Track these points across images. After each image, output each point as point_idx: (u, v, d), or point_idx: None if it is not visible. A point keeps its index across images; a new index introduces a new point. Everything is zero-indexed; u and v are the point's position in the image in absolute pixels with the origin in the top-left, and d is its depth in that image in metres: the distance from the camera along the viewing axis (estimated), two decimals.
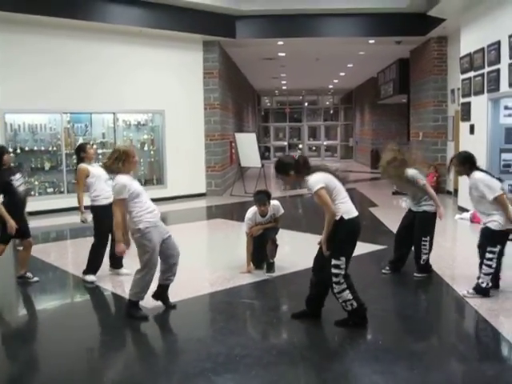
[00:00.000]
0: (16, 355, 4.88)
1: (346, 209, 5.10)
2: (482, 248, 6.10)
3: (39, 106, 12.54)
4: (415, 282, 6.90)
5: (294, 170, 5.26)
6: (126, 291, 6.04)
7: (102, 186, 7.04)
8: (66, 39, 12.76)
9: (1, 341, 5.52)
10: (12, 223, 6.41)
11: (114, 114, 13.99)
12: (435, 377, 4.27)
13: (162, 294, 5.84)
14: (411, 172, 6.79)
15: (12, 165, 7.11)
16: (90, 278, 7.00)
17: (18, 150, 12.56)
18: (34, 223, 8.77)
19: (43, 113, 12.97)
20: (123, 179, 5.49)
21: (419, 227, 6.89)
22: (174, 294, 5.98)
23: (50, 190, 13.12)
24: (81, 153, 7.24)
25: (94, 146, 7.33)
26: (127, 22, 13.24)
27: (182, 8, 13.79)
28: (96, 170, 7.11)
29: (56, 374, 4.50)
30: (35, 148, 12.95)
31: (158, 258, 5.60)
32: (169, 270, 5.74)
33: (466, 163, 6.10)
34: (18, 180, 6.75)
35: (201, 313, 6.15)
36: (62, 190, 13.21)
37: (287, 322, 5.58)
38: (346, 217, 5.04)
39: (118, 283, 6.98)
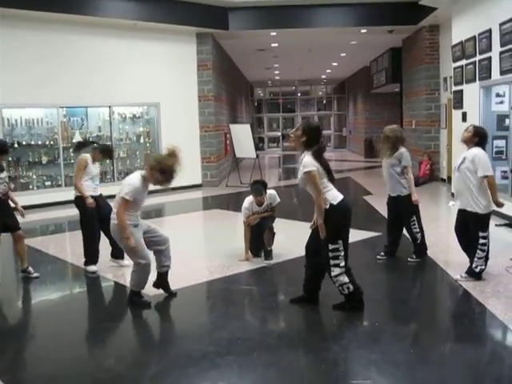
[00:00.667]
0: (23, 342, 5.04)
1: (333, 195, 5.25)
2: (460, 231, 6.35)
3: (36, 101, 12.65)
4: (410, 267, 7.07)
5: (310, 136, 5.46)
6: (127, 280, 6.17)
7: (89, 182, 7.19)
8: (62, 34, 12.86)
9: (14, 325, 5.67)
10: None
11: (109, 107, 14.09)
12: (431, 356, 4.43)
13: (162, 282, 5.98)
14: (404, 150, 7.00)
15: None
16: (91, 268, 7.15)
17: (16, 145, 12.66)
18: (32, 217, 8.95)
19: (40, 107, 13.07)
20: (139, 183, 5.57)
21: (403, 210, 7.10)
22: (175, 283, 6.12)
23: (48, 183, 13.23)
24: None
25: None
26: (121, 15, 13.33)
27: (176, 1, 13.92)
28: (93, 166, 7.25)
29: (63, 359, 4.64)
30: (32, 142, 13.07)
31: (148, 251, 5.72)
32: (162, 256, 5.87)
33: (478, 137, 6.22)
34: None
35: (202, 299, 6.30)
36: (60, 183, 13.34)
37: (286, 306, 5.77)
38: (334, 202, 5.18)
39: (119, 273, 7.12)
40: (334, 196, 5.25)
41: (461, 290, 6.01)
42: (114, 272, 7.19)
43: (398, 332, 4.97)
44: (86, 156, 7.27)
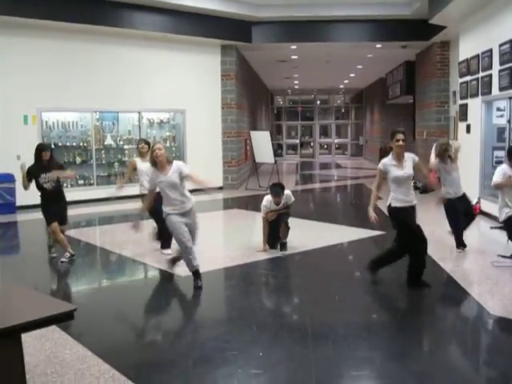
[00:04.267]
0: None
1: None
2: None
3: (72, 105, 13.74)
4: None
5: None
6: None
7: (141, 179, 8.24)
8: (97, 44, 14.00)
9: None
10: None
11: (139, 112, 15.17)
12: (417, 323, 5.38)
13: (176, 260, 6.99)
14: None
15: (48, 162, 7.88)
16: (166, 251, 8.17)
17: (53, 146, 13.74)
18: (71, 211, 9.99)
19: (75, 111, 14.18)
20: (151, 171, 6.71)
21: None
22: (203, 266, 7.09)
23: (81, 182, 14.28)
24: (138, 147, 8.68)
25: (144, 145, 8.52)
26: (152, 28, 14.41)
27: (203, 15, 14.95)
28: (142, 165, 8.25)
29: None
30: (67, 144, 14.15)
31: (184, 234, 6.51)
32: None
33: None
34: (43, 178, 7.75)
35: (227, 280, 7.37)
36: (92, 182, 14.40)
37: (297, 286, 6.84)
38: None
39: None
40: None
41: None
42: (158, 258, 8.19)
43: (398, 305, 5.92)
44: (133, 159, 8.38)
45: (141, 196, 8.28)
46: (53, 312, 3.11)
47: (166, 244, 8.26)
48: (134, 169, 8.45)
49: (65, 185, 13.71)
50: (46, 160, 7.77)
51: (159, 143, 6.73)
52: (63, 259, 7.86)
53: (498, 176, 7.37)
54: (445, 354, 4.71)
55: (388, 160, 6.44)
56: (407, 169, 6.36)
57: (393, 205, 6.45)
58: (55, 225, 7.83)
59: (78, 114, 14.33)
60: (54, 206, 7.89)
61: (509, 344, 5.05)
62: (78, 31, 13.45)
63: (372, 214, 6.52)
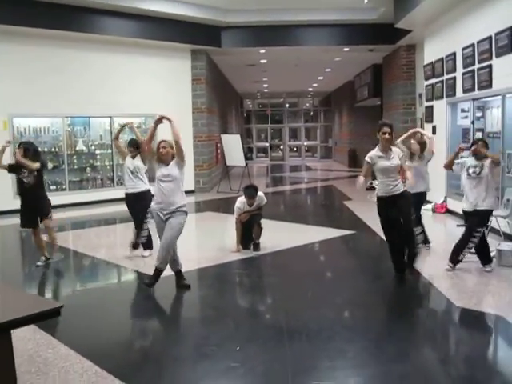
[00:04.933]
0: None
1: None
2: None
3: (43, 111, 13.79)
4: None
5: None
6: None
7: (125, 176, 8.40)
8: (67, 49, 14.06)
9: None
10: None
11: (110, 117, 15.24)
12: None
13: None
14: None
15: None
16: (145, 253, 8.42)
17: None
18: None
19: (46, 117, 14.22)
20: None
21: None
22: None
23: (53, 187, 14.30)
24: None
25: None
26: (123, 33, 14.53)
27: (173, 20, 15.11)
28: (128, 161, 8.32)
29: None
30: (39, 149, 14.07)
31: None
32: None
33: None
34: (24, 172, 7.81)
35: (201, 280, 7.49)
36: (64, 187, 14.43)
37: (271, 284, 7.05)
38: None
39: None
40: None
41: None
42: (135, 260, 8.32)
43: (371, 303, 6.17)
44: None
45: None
46: (41, 309, 3.26)
47: (145, 245, 8.46)
48: (123, 155, 8.52)
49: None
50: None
51: (165, 141, 6.75)
52: (39, 263, 7.95)
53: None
54: (413, 343, 4.98)
55: (374, 152, 6.68)
56: (394, 160, 6.57)
57: (378, 194, 6.76)
58: (31, 230, 7.99)
59: (49, 120, 14.36)
60: (30, 207, 7.92)
61: (470, 331, 5.38)
62: (48, 37, 13.51)
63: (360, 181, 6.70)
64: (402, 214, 6.71)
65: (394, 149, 6.70)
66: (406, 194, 6.75)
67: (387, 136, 6.55)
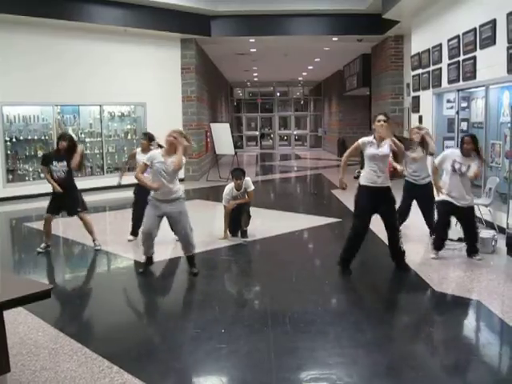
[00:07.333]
0: None
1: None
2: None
3: (32, 99, 13.84)
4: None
5: None
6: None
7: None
8: (57, 38, 14.09)
9: None
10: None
11: (100, 106, 15.32)
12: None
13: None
14: None
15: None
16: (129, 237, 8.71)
17: (14, 139, 13.86)
18: (34, 205, 10.17)
19: (36, 105, 14.28)
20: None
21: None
22: (164, 255, 7.53)
23: (43, 175, 14.31)
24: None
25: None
26: (112, 22, 14.58)
27: (163, 9, 15.17)
28: (140, 156, 8.27)
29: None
30: (29, 137, 14.24)
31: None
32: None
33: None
34: (56, 166, 7.91)
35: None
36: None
37: (257, 270, 7.29)
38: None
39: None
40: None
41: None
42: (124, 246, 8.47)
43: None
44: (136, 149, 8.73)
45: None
46: (32, 291, 3.41)
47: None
48: (133, 158, 8.64)
49: (26, 178, 14.06)
50: (62, 150, 7.90)
51: (176, 132, 6.66)
52: (39, 249, 8.16)
53: (437, 159, 7.59)
54: (391, 325, 5.18)
55: (368, 138, 6.73)
56: (384, 148, 6.56)
57: (361, 183, 6.72)
58: (48, 216, 8.12)
59: (39, 108, 14.41)
60: (58, 199, 8.04)
61: (447, 314, 5.56)
62: (38, 25, 13.54)
63: (342, 183, 6.90)
64: (390, 209, 6.76)
65: (387, 140, 6.71)
66: (390, 190, 6.73)
67: (380, 123, 6.63)
